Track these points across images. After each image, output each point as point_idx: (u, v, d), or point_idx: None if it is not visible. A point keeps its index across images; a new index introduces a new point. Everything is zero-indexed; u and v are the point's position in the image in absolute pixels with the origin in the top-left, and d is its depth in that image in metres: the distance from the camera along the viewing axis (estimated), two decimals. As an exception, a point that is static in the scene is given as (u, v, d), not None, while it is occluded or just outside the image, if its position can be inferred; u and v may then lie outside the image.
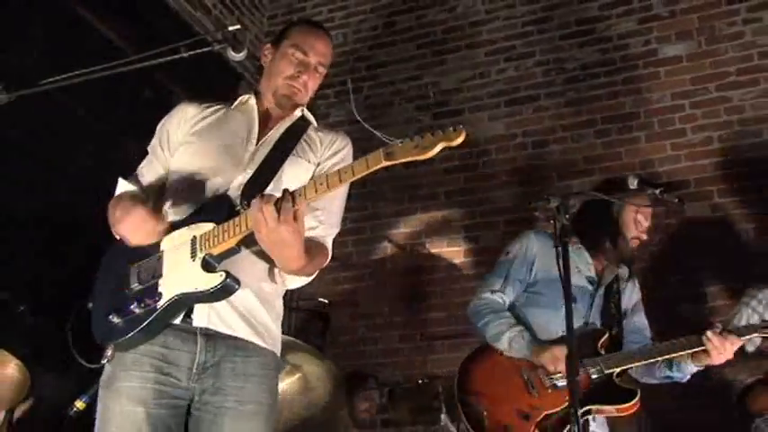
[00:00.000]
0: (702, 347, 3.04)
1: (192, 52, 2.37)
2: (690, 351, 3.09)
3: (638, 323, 3.50)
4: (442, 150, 2.06)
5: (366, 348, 5.68)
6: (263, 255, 2.38)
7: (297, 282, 2.51)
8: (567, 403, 3.05)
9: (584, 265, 3.46)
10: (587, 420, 3.18)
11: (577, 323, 3.22)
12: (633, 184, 3.15)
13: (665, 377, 3.29)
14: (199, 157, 2.52)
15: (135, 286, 2.34)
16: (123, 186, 2.53)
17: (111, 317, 2.31)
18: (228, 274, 2.22)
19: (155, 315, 2.26)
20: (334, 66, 6.35)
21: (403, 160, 2.07)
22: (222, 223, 2.28)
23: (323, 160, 2.62)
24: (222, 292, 2.24)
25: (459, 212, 5.77)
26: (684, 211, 5.10)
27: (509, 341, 3.27)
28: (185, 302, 2.28)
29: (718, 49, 5.41)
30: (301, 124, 2.67)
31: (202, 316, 2.32)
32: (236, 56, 2.41)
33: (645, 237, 3.44)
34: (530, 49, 5.97)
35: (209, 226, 2.30)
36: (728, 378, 4.01)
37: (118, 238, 2.47)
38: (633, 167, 5.26)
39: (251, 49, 6.24)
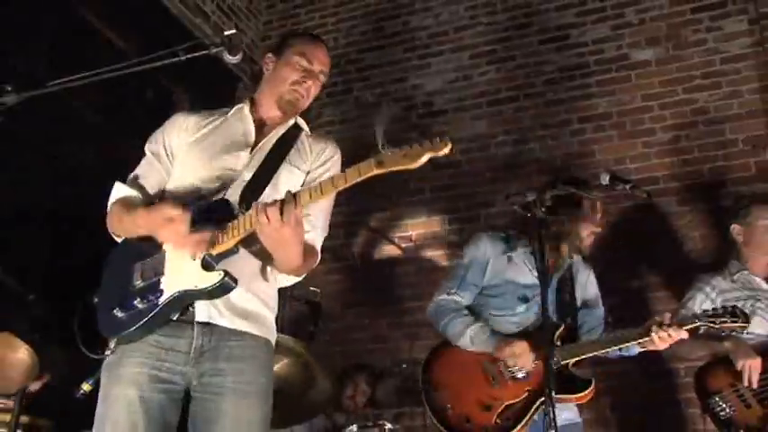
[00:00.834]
0: (648, 338, 3.05)
1: (189, 55, 2.37)
2: (638, 341, 3.09)
3: (599, 314, 3.49)
4: (429, 160, 2.07)
5: (355, 335, 5.71)
6: (258, 255, 2.41)
7: (288, 281, 2.54)
8: (526, 393, 3.10)
9: (534, 265, 3.38)
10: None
11: (531, 319, 3.30)
12: (605, 180, 3.15)
13: (618, 356, 3.27)
14: (198, 164, 2.52)
15: (138, 283, 2.35)
16: (122, 191, 2.54)
17: (115, 311, 2.33)
18: (227, 273, 2.24)
19: (156, 311, 2.27)
20: (326, 68, 6.40)
21: (393, 169, 2.08)
22: (221, 226, 2.30)
23: (313, 169, 2.62)
24: (220, 290, 2.26)
25: (443, 206, 5.80)
26: (653, 205, 5.17)
27: (470, 338, 3.24)
28: (185, 299, 2.29)
29: (684, 55, 5.46)
30: (295, 132, 2.67)
31: (203, 311, 2.34)
32: (232, 59, 2.38)
33: (599, 229, 3.41)
34: (510, 53, 6.00)
35: (209, 229, 2.31)
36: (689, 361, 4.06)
37: (119, 240, 2.51)
38: (607, 164, 5.29)
39: (247, 53, 6.29)
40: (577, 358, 3.15)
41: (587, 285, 3.55)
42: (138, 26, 5.08)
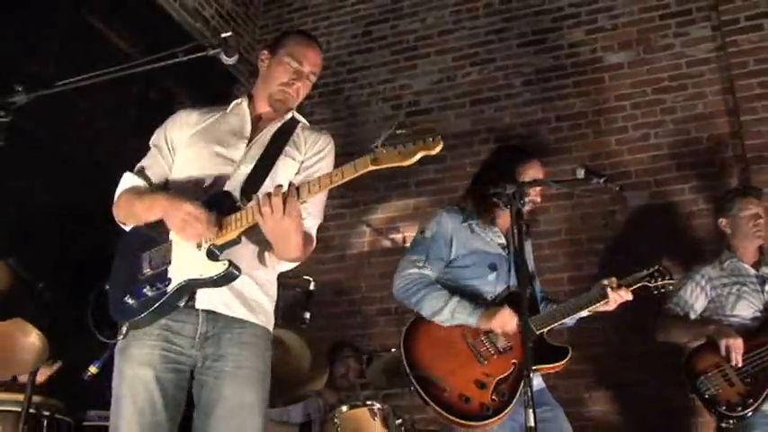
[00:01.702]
0: (606, 300, 3.07)
1: (188, 57, 2.37)
2: (600, 303, 3.08)
3: (537, 283, 3.43)
4: (422, 158, 2.10)
5: (346, 321, 5.76)
6: (259, 245, 2.44)
7: (287, 267, 2.56)
8: (513, 366, 3.00)
9: (495, 236, 3.28)
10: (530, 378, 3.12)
11: (500, 288, 3.20)
12: (580, 174, 3.12)
13: (559, 324, 3.18)
14: (199, 158, 2.53)
15: (147, 271, 2.37)
16: (131, 180, 2.54)
17: (126, 298, 2.35)
18: (231, 263, 2.26)
19: (165, 298, 2.29)
20: (319, 69, 6.41)
21: (387, 165, 2.11)
22: (225, 217, 2.32)
23: (306, 158, 2.62)
24: (225, 279, 2.28)
25: (428, 200, 5.82)
26: (626, 198, 5.23)
27: (451, 312, 3.05)
28: (191, 287, 2.31)
29: (653, 58, 5.52)
30: (290, 124, 2.68)
31: (206, 300, 2.36)
32: (229, 60, 2.37)
33: (538, 200, 3.33)
34: (491, 56, 6.04)
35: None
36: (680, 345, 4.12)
37: (127, 228, 2.53)
38: (582, 160, 5.27)
39: (244, 55, 6.31)
40: (550, 327, 3.10)
41: (530, 254, 3.48)
42: (142, 31, 5.11)
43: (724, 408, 3.56)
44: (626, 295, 3.09)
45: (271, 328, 2.54)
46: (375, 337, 5.55)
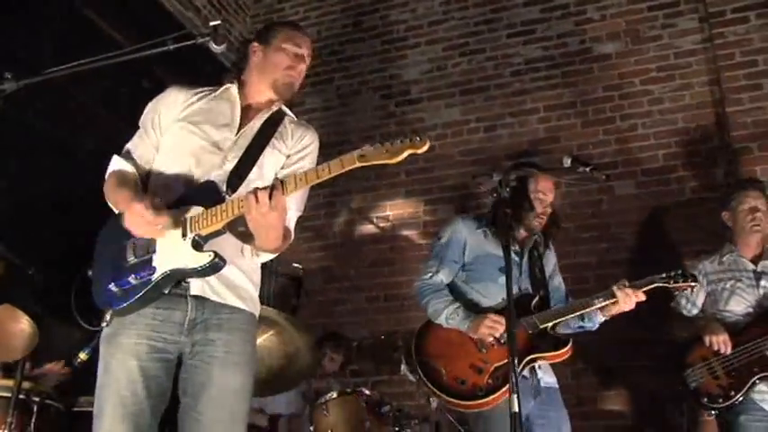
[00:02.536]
0: (614, 300, 3.13)
1: (177, 45, 2.36)
2: (606, 303, 3.16)
3: (557, 284, 3.55)
4: (408, 156, 2.11)
5: (336, 308, 5.76)
6: (242, 236, 2.43)
7: (267, 257, 2.56)
8: None
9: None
10: (533, 368, 3.25)
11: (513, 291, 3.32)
12: (567, 162, 3.16)
13: (578, 327, 3.35)
14: (186, 142, 2.50)
15: (131, 259, 2.34)
16: (118, 164, 2.52)
17: (110, 286, 2.33)
18: (216, 254, 2.26)
19: (149, 287, 2.29)
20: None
21: (374, 162, 2.13)
22: (210, 208, 2.31)
23: (292, 153, 2.61)
24: (210, 270, 2.28)
25: (418, 188, 5.83)
26: (612, 187, 5.24)
27: (446, 318, 3.27)
28: (176, 277, 2.30)
29: (641, 49, 5.52)
30: (278, 117, 2.66)
31: (197, 286, 2.36)
32: (217, 48, 2.35)
33: (549, 210, 3.44)
34: (481, 46, 6.03)
35: (198, 209, 2.32)
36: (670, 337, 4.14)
37: (116, 211, 2.48)
38: (570, 149, 5.31)
39: (235, 44, 6.29)
40: (554, 321, 3.23)
41: (550, 257, 3.60)
42: (134, 21, 5.09)
43: (705, 399, 3.61)
44: (637, 296, 3.14)
45: (257, 313, 2.54)
46: (364, 324, 5.56)
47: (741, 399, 3.54)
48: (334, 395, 3.90)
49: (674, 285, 3.23)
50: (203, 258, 2.26)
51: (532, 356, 3.20)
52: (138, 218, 2.25)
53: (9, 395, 3.49)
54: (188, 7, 5.86)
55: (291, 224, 2.56)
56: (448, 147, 5.81)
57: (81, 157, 4.64)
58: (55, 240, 4.44)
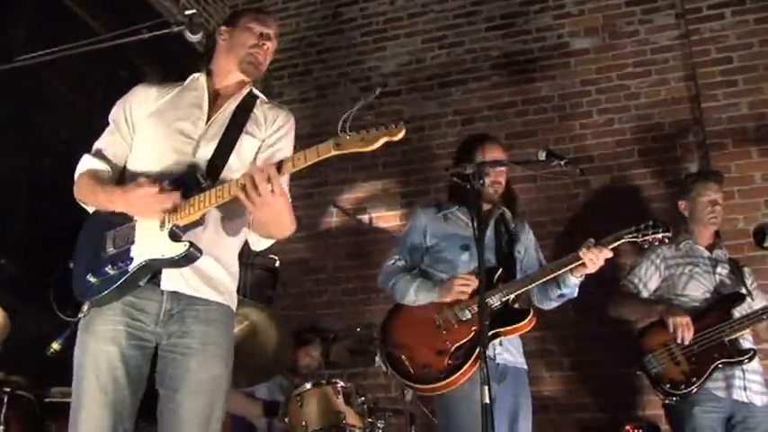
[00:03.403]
0: (581, 261, 3.05)
1: (152, 33, 2.35)
2: (571, 266, 3.09)
3: (536, 259, 3.48)
4: (384, 144, 2.11)
5: (313, 300, 5.75)
6: (222, 226, 2.45)
7: (267, 244, 2.59)
8: (473, 333, 3.09)
9: (468, 217, 3.38)
10: (494, 347, 3.18)
11: (474, 265, 3.24)
12: (541, 156, 3.15)
13: (558, 296, 3.28)
14: (158, 136, 2.50)
15: (110, 250, 2.36)
16: (90, 163, 2.52)
17: (88, 277, 2.34)
18: (192, 244, 2.26)
19: (126, 277, 2.29)
20: (288, 50, 6.37)
21: (350, 151, 2.13)
22: (189, 198, 2.31)
23: (267, 136, 2.61)
24: (186, 260, 2.28)
25: (396, 181, 5.83)
26: (588, 181, 5.27)
27: (415, 291, 3.27)
28: (153, 267, 2.31)
29: (618, 44, 5.54)
30: (249, 101, 2.65)
31: (170, 281, 2.36)
32: (193, 37, 2.36)
33: (503, 179, 3.44)
34: (460, 39, 6.02)
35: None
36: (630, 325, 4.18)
37: (86, 206, 2.51)
38: (547, 143, 5.27)
39: (214, 34, 6.21)
40: (517, 292, 3.17)
41: (523, 235, 3.54)
42: (111, 7, 5.03)
43: (668, 386, 3.61)
44: (602, 253, 3.05)
45: (234, 306, 2.56)
46: (341, 316, 5.55)
47: (698, 386, 3.54)
48: (309, 387, 3.89)
49: (645, 239, 3.08)
50: (179, 248, 2.27)
51: (495, 331, 3.14)
52: (146, 197, 2.27)
53: (-22, 387, 3.46)
54: (166, -3, 5.80)
55: None
56: (425, 139, 5.80)
57: (56, 146, 4.59)
58: (29, 230, 4.39)
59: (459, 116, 5.82)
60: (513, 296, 3.18)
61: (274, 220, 2.35)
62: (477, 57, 5.91)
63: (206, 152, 2.47)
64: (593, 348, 4.91)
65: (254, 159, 2.55)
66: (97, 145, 2.58)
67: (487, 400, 2.45)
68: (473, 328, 3.11)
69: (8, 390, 3.59)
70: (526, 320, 3.15)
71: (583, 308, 4.73)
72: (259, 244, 2.59)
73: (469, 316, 3.15)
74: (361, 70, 6.24)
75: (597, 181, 5.30)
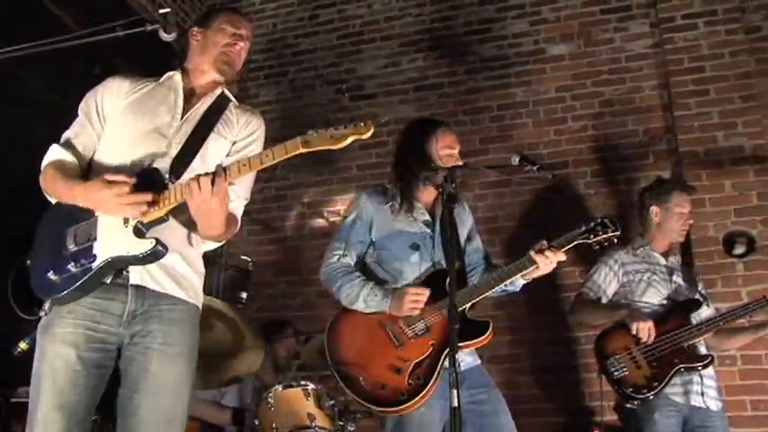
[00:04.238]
0: (536, 265, 2.95)
1: (127, 31, 2.34)
2: (525, 272, 2.98)
3: (476, 245, 3.35)
4: (353, 141, 2.10)
5: (285, 302, 5.73)
6: (185, 223, 2.42)
7: (211, 246, 2.55)
8: (431, 348, 2.95)
9: (418, 213, 3.22)
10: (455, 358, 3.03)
11: (425, 266, 3.14)
12: (515, 161, 3.11)
13: (501, 291, 3.11)
14: (128, 130, 2.48)
15: (72, 247, 2.31)
16: (57, 153, 2.48)
17: (49, 274, 2.30)
18: (158, 241, 2.24)
19: (90, 274, 2.26)
20: (264, 51, 6.35)
21: (318, 148, 2.12)
22: (154, 194, 2.29)
23: (239, 139, 2.60)
24: (152, 257, 2.27)
25: (370, 183, 5.71)
26: (562, 188, 5.30)
27: (364, 300, 3.03)
28: (117, 264, 2.28)
29: (594, 51, 5.59)
30: (222, 102, 2.64)
31: (137, 275, 2.34)
32: (167, 36, 2.34)
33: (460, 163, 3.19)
34: (436, 43, 6.04)
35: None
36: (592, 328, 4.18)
37: (53, 201, 2.46)
38: (522, 148, 5.31)
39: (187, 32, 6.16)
40: (473, 301, 3.02)
41: (465, 218, 3.39)
42: (88, 7, 4.98)
43: (630, 390, 3.61)
44: (557, 257, 2.96)
45: (200, 305, 2.54)
46: (314, 318, 5.49)
47: (657, 391, 3.55)
48: (279, 388, 3.88)
49: (596, 239, 2.99)
50: (145, 245, 2.25)
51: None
52: (117, 198, 2.24)
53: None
54: (144, -5, 5.76)
55: (239, 213, 2.56)
56: (402, 143, 5.80)
57: (28, 143, 4.53)
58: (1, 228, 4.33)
59: (435, 120, 5.81)
60: (469, 305, 3.03)
61: (204, 218, 2.31)
62: (454, 61, 5.93)
63: (175, 150, 2.46)
64: (561, 353, 4.94)
65: (221, 162, 2.52)
66: (66, 135, 2.55)
67: (456, 403, 2.39)
68: (430, 342, 2.97)
69: (-28, 390, 3.54)
70: (486, 334, 2.99)
71: (554, 312, 4.80)
72: (204, 245, 2.55)
73: (424, 329, 3.00)
74: (337, 73, 6.23)
75: (571, 187, 5.34)
